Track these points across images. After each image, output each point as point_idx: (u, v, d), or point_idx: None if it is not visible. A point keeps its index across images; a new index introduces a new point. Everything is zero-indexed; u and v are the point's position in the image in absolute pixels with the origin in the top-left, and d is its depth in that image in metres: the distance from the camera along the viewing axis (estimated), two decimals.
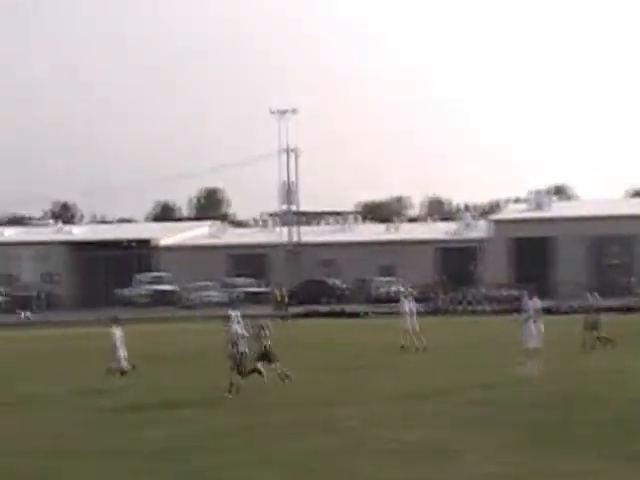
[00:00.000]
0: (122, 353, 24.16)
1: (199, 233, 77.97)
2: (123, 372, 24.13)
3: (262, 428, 16.62)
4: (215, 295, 61.06)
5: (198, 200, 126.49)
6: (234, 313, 21.50)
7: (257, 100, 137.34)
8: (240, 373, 20.57)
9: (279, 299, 49.03)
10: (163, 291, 63.23)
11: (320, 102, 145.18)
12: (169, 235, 75.04)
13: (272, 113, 67.41)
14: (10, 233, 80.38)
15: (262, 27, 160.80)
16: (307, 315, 50.22)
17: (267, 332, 21.61)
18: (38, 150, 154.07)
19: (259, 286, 63.62)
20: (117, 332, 24.33)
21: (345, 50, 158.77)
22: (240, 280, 64.38)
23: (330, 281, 62.67)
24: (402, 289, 60.29)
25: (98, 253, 67.02)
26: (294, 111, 67.68)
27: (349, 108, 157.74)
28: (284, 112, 67.31)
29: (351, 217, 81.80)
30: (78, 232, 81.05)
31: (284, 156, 68.29)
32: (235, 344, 20.67)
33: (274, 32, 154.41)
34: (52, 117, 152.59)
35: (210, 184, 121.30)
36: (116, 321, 25.09)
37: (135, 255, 67.92)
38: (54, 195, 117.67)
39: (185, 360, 29.24)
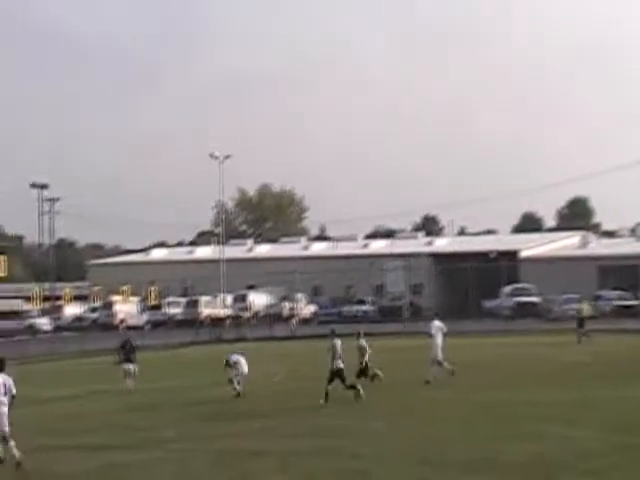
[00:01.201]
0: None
1: (565, 244, 75.83)
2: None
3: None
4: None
5: (563, 210, 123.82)
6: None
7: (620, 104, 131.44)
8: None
9: (582, 315, 45.40)
10: (527, 303, 62.14)
11: None
12: (533, 246, 73.82)
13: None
14: (379, 245, 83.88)
15: None
16: None
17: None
18: (408, 165, 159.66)
19: (630, 299, 60.26)
20: None
21: None
22: (609, 292, 61.48)
23: None
24: None
25: (462, 264, 67.37)
26: None
27: None
28: None
29: None
30: (442, 244, 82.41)
31: None
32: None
33: None
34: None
35: (576, 194, 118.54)
36: None
37: (501, 267, 67.31)
38: (423, 208, 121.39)
39: (551, 375, 28.28)
